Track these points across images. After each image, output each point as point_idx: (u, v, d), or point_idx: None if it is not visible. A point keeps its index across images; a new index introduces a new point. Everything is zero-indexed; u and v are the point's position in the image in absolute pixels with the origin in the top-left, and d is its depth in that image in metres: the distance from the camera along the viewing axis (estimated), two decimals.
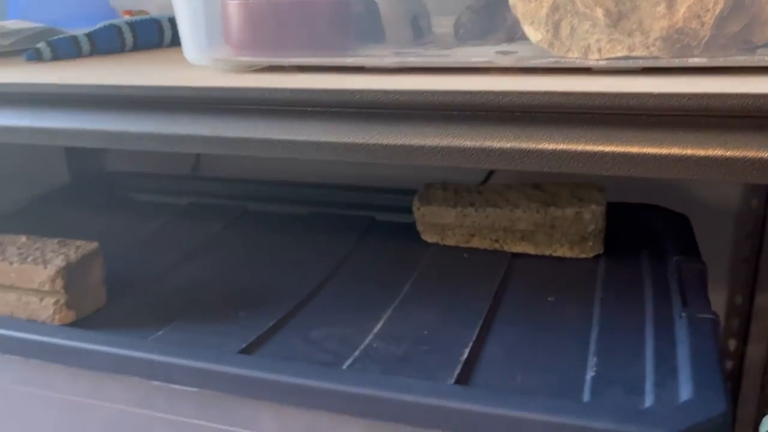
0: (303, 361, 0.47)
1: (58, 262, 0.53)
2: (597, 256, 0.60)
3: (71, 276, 0.53)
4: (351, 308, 0.55)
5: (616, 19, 0.32)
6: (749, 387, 0.74)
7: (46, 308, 0.52)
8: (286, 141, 0.36)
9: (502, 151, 0.31)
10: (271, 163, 0.85)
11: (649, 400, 0.39)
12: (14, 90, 0.43)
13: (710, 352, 0.40)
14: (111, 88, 0.40)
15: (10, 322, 0.50)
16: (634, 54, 0.33)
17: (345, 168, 0.82)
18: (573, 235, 0.59)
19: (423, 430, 0.38)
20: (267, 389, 0.41)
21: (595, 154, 0.30)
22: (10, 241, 0.57)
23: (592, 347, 0.46)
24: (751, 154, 0.28)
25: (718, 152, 0.28)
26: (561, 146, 0.30)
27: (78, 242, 0.56)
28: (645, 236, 0.62)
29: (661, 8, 0.32)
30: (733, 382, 0.74)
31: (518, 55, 0.38)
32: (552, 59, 0.35)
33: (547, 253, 0.61)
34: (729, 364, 0.74)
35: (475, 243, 0.63)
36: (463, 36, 0.48)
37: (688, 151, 0.28)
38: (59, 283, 0.52)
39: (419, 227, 0.65)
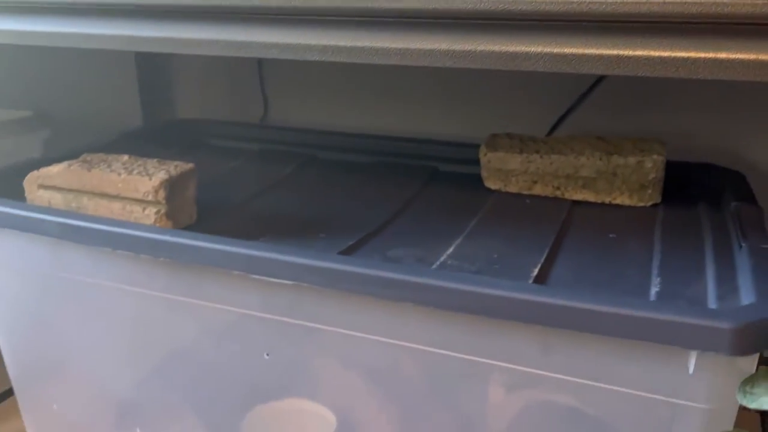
0: None
1: (161, 175, 0.58)
2: (655, 205, 0.63)
3: (172, 189, 0.58)
4: (422, 236, 0.59)
5: None
6: None
7: (147, 217, 0.58)
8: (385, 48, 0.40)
9: (604, 57, 0.35)
10: (335, 115, 0.89)
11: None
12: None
13: None
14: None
15: (122, 222, 0.55)
16: None
17: (409, 121, 0.87)
18: (633, 183, 0.63)
19: (506, 322, 0.42)
20: (365, 283, 0.45)
21: (688, 59, 0.33)
22: (114, 159, 0.62)
23: (655, 271, 0.50)
24: None
25: None
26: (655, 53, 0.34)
27: (175, 162, 0.61)
28: (702, 189, 0.65)
29: None
30: None
31: None
32: None
33: (606, 200, 0.64)
34: None
35: (537, 190, 0.67)
36: None
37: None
38: (161, 194, 0.57)
39: (484, 173, 0.69)
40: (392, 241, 0.58)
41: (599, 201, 0.65)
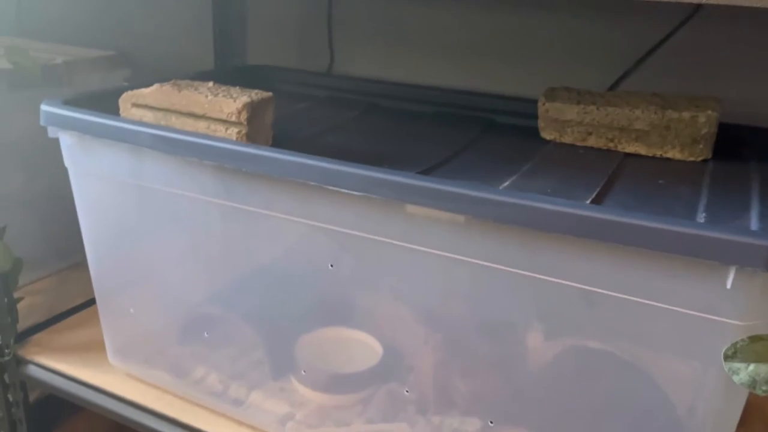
0: None
1: (244, 98, 0.63)
2: (705, 161, 0.66)
3: (253, 112, 0.63)
4: (478, 172, 0.63)
5: None
6: None
7: (230, 136, 0.63)
8: None
9: None
10: (398, 68, 0.94)
11: None
12: None
13: None
14: None
15: (209, 135, 0.61)
16: None
17: (469, 76, 0.90)
18: (686, 137, 0.65)
19: (557, 236, 0.46)
20: (427, 195, 0.50)
21: None
22: (200, 84, 0.68)
23: (701, 208, 0.53)
24: None
25: None
26: None
27: (255, 90, 0.66)
28: (755, 150, 0.67)
29: None
30: None
31: None
32: None
33: (658, 153, 0.67)
34: None
35: (591, 141, 0.70)
36: None
37: None
38: (244, 115, 0.62)
39: (540, 123, 0.73)
40: (450, 175, 0.62)
41: (651, 154, 0.67)
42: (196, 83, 0.68)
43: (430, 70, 0.92)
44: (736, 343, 0.40)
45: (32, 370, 0.83)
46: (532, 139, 0.73)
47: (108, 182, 0.69)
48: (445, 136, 0.75)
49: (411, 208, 0.53)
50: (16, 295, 0.85)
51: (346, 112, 0.83)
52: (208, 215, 0.64)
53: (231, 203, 0.62)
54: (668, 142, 0.66)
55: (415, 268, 0.56)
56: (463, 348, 0.59)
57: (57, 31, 1.21)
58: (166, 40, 1.11)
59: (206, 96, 0.64)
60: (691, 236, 0.42)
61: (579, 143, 0.71)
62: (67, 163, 0.70)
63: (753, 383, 0.40)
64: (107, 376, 0.80)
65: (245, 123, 0.62)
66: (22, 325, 0.87)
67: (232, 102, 0.62)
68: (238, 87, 0.67)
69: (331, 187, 0.54)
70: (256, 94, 0.65)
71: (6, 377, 0.85)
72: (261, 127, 0.65)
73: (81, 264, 1.05)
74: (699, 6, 0.74)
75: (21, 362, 0.84)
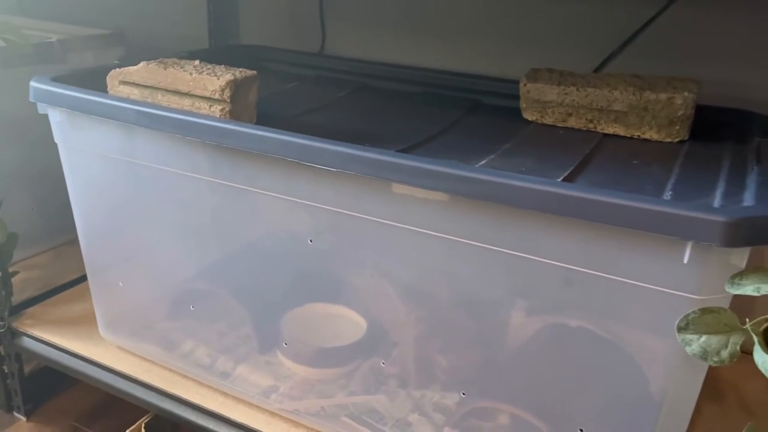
0: None
1: (228, 76, 0.64)
2: (682, 142, 0.67)
3: (237, 89, 0.64)
4: (459, 151, 0.64)
5: None
6: None
7: (213, 113, 0.64)
8: None
9: None
10: (387, 49, 0.94)
11: None
12: None
13: None
14: None
15: (193, 112, 0.62)
16: None
17: (456, 58, 0.91)
18: (663, 118, 0.66)
19: (539, 214, 0.48)
20: (402, 172, 0.51)
21: None
22: (186, 62, 0.69)
23: (669, 186, 0.54)
24: None
25: None
26: None
27: (240, 68, 0.68)
28: (731, 131, 0.68)
29: None
30: None
31: None
32: None
33: (636, 134, 0.68)
34: None
35: (571, 122, 0.71)
36: None
37: None
38: (227, 93, 0.63)
39: (522, 104, 0.74)
40: (430, 153, 0.63)
41: (629, 135, 0.68)
42: (182, 62, 0.70)
43: (420, 51, 0.93)
44: (688, 315, 0.42)
45: (27, 342, 0.85)
46: (514, 120, 0.74)
47: (96, 158, 0.70)
48: (431, 115, 0.76)
49: (386, 185, 0.54)
50: (11, 269, 0.87)
51: (334, 91, 0.84)
52: (194, 191, 0.66)
53: (215, 179, 0.63)
54: (646, 123, 0.67)
55: (393, 244, 0.57)
56: (440, 322, 0.61)
57: (54, 9, 1.22)
58: (161, 19, 1.12)
59: (191, 74, 0.65)
60: (648, 211, 0.43)
61: (560, 124, 0.72)
62: (56, 138, 0.72)
63: (704, 354, 0.41)
64: (98, 348, 0.82)
65: (228, 100, 0.64)
66: (18, 298, 0.89)
67: (216, 80, 0.64)
68: (223, 66, 0.68)
69: (308, 163, 0.55)
70: (240, 73, 0.66)
71: (1, 349, 0.87)
72: (245, 105, 0.66)
73: (76, 240, 1.07)
74: None
75: (16, 334, 0.86)
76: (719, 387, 0.78)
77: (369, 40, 0.97)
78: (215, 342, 0.75)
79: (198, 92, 0.64)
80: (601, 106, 0.68)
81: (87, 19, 1.16)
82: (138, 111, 0.62)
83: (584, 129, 0.71)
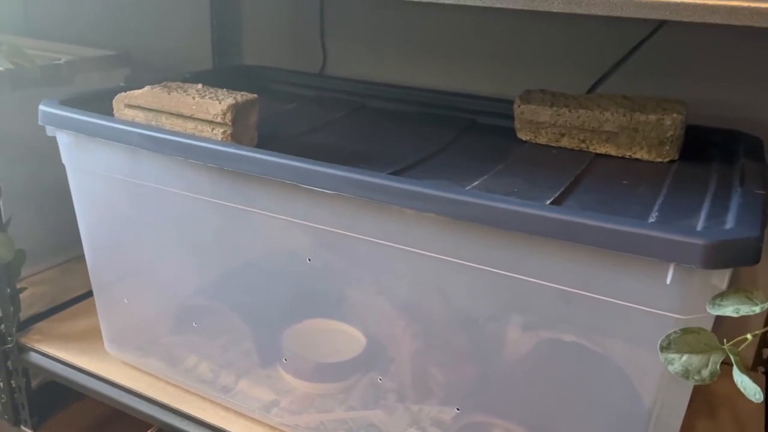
0: None
1: (229, 100, 0.66)
2: (672, 161, 0.68)
3: (238, 113, 0.66)
4: (453, 171, 0.66)
5: None
6: None
7: (215, 136, 0.66)
8: None
9: None
10: (386, 68, 0.97)
11: None
12: None
13: (756, 211, 0.49)
14: None
15: (194, 135, 0.64)
16: None
17: (453, 77, 0.93)
18: (653, 138, 0.68)
19: (527, 235, 0.49)
20: (394, 194, 0.53)
21: None
22: (189, 86, 0.71)
23: (656, 207, 0.55)
24: None
25: None
26: None
27: (241, 92, 0.70)
28: (720, 151, 0.70)
29: None
30: None
31: None
32: None
33: (627, 154, 0.70)
34: None
35: (564, 142, 0.73)
36: None
37: None
38: (228, 117, 0.65)
39: (516, 125, 0.75)
40: (424, 174, 0.65)
41: (620, 155, 0.70)
42: (185, 85, 0.72)
43: (418, 72, 0.96)
44: (670, 335, 0.43)
45: (34, 358, 0.87)
46: (509, 140, 0.76)
47: (102, 179, 0.72)
48: (427, 135, 0.78)
49: (381, 206, 0.56)
50: (18, 285, 0.89)
51: (333, 111, 0.86)
52: (196, 211, 0.68)
53: (216, 200, 0.65)
54: (636, 144, 0.69)
55: (389, 263, 0.59)
56: (435, 339, 0.62)
57: (62, 30, 1.25)
58: (166, 40, 1.14)
59: (194, 98, 0.67)
60: (630, 234, 0.45)
61: (553, 144, 0.74)
62: (64, 160, 0.74)
63: (686, 372, 0.42)
64: (103, 363, 0.84)
65: (230, 124, 0.66)
66: (25, 314, 0.92)
67: (218, 104, 0.66)
68: (225, 89, 0.71)
69: (304, 185, 0.57)
70: (242, 96, 0.68)
71: (9, 364, 0.89)
72: (246, 127, 0.68)
73: (82, 256, 1.10)
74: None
75: (23, 350, 0.88)
76: (713, 402, 0.79)
77: (369, 60, 0.99)
78: (217, 357, 0.77)
79: (200, 115, 0.67)
80: (593, 127, 0.70)
81: (92, 39, 1.19)
82: (142, 134, 0.65)
83: (577, 149, 0.72)
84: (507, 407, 0.61)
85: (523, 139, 0.75)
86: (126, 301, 0.79)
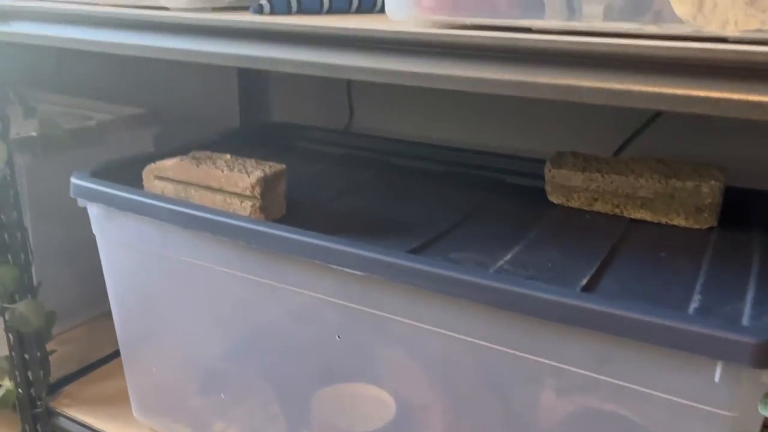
0: None
1: (258, 173, 0.66)
2: (711, 228, 0.66)
3: (266, 186, 0.66)
4: (484, 241, 0.65)
5: None
6: None
7: (244, 209, 0.66)
8: (471, 78, 0.47)
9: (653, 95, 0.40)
10: (413, 125, 0.96)
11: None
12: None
13: None
14: (336, 29, 0.52)
15: (223, 212, 0.64)
16: (766, 27, 0.40)
17: (480, 134, 0.92)
18: (690, 206, 0.66)
19: (551, 323, 0.48)
20: (426, 279, 0.52)
21: (722, 99, 0.38)
22: (218, 156, 0.72)
23: (698, 288, 0.53)
24: None
25: None
26: (703, 93, 0.39)
27: (270, 163, 0.70)
28: (760, 215, 0.67)
29: None
30: None
31: (665, 26, 0.46)
32: (694, 29, 0.43)
33: (663, 221, 0.68)
34: None
35: (598, 207, 0.71)
36: (612, 15, 0.56)
37: None
38: (257, 190, 0.65)
39: (547, 188, 0.74)
40: (456, 245, 0.64)
41: (656, 221, 0.68)
42: (214, 155, 0.72)
43: (444, 129, 0.95)
44: None
45: (63, 423, 0.87)
46: (539, 202, 0.74)
47: (131, 249, 0.73)
48: (455, 197, 0.77)
49: (411, 288, 0.55)
50: (48, 347, 0.89)
51: (360, 171, 0.86)
52: (224, 284, 0.67)
53: (245, 274, 0.65)
54: (673, 210, 0.67)
55: (420, 344, 0.58)
56: (467, 410, 0.60)
57: (92, 85, 1.27)
58: (194, 97, 1.16)
59: (222, 171, 0.67)
60: (673, 329, 0.43)
61: (586, 208, 0.72)
62: (94, 230, 0.75)
63: None
64: (131, 429, 0.83)
65: (258, 197, 0.66)
66: (54, 375, 0.92)
67: (246, 177, 0.66)
68: (253, 160, 0.70)
69: (333, 266, 0.56)
70: (270, 168, 0.68)
71: (39, 428, 0.89)
72: (274, 198, 0.68)
73: (109, 313, 1.10)
74: None
75: (53, 414, 0.88)
76: None
77: (395, 116, 0.99)
78: (245, 423, 0.75)
79: (229, 188, 0.67)
80: (627, 193, 0.68)
81: (122, 94, 1.21)
82: (171, 210, 0.65)
83: (611, 213, 0.70)
84: None
85: (555, 202, 0.74)
86: (154, 369, 0.79)
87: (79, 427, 0.85)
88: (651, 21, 0.47)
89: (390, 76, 0.49)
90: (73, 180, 0.72)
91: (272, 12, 0.67)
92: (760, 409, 0.42)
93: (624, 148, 0.83)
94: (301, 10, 0.69)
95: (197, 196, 0.68)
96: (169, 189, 0.70)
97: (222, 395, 0.74)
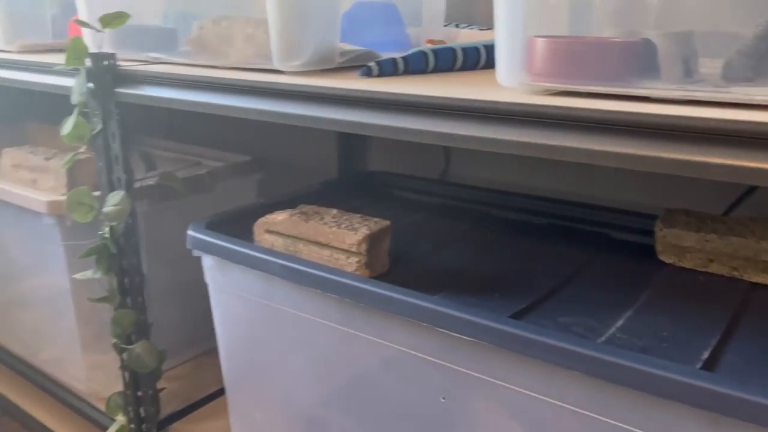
0: None
1: (364, 230, 0.68)
2: None
3: (371, 242, 0.67)
4: (592, 305, 0.63)
5: None
6: None
7: (350, 264, 0.68)
8: (582, 149, 0.46)
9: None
10: (511, 174, 0.96)
11: None
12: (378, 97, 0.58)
13: None
14: (451, 100, 0.53)
15: (335, 270, 0.66)
16: None
17: (580, 186, 0.90)
18: None
19: (672, 402, 0.46)
20: (536, 348, 0.51)
21: None
22: (325, 211, 0.74)
23: None
24: None
25: None
26: None
27: (375, 219, 0.71)
28: None
29: None
30: None
31: None
32: None
33: None
34: None
35: (713, 268, 0.68)
36: (732, 77, 0.54)
37: None
38: (363, 247, 0.67)
39: (658, 247, 0.71)
40: (563, 307, 0.63)
41: None
42: (321, 210, 0.74)
43: (545, 179, 0.94)
44: None
45: None
46: (648, 261, 0.72)
47: (241, 299, 0.76)
48: (558, 253, 0.75)
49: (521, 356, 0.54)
50: (158, 385, 0.94)
51: (458, 223, 0.86)
52: (328, 338, 0.69)
53: (348, 329, 0.66)
54: None
55: (531, 413, 0.56)
56: None
57: (199, 133, 1.35)
58: (295, 146, 1.21)
59: (330, 227, 0.69)
60: None
61: (700, 269, 0.69)
62: (207, 279, 0.79)
63: None
64: None
65: (364, 253, 0.67)
66: (162, 410, 0.96)
67: (353, 234, 0.67)
68: (359, 215, 0.72)
69: (439, 329, 0.56)
70: (375, 224, 0.70)
71: None
72: (378, 254, 0.69)
73: (212, 351, 1.15)
74: None
75: None
76: None
77: (492, 165, 0.99)
78: None
79: (336, 244, 0.68)
80: (748, 256, 0.65)
81: (226, 141, 1.28)
82: (281, 265, 0.67)
83: (728, 275, 0.67)
84: None
85: (666, 261, 0.71)
86: (258, 416, 0.81)
87: None
88: None
89: (499, 145, 0.50)
90: (190, 232, 0.76)
91: (380, 74, 0.69)
92: None
93: (738, 205, 0.79)
94: (408, 71, 0.71)
95: (305, 250, 0.71)
96: (279, 243, 0.73)
97: None
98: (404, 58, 0.71)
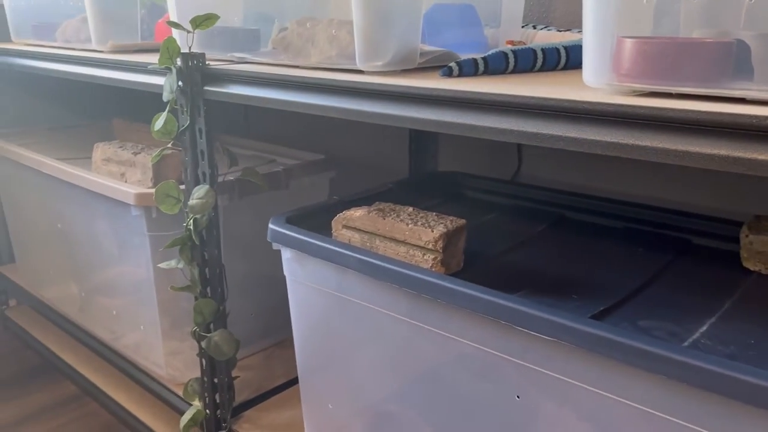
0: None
1: (441, 228, 0.69)
2: None
3: (448, 240, 0.68)
4: (674, 309, 0.62)
5: None
6: None
7: (426, 261, 0.69)
8: (674, 150, 0.46)
9: None
10: (585, 177, 0.94)
11: None
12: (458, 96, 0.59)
13: None
14: (539, 99, 0.53)
15: (412, 266, 0.67)
16: None
17: (659, 190, 0.88)
18: None
19: (758, 410, 0.45)
20: (619, 350, 0.51)
21: None
22: (401, 209, 0.75)
23: None
24: None
25: None
26: None
27: (451, 217, 0.72)
28: None
29: None
30: None
31: None
32: None
33: None
34: None
35: None
36: None
37: None
38: (440, 244, 0.68)
39: (743, 254, 0.69)
40: (644, 311, 0.62)
41: None
42: (397, 208, 0.76)
43: (622, 182, 0.92)
44: None
45: None
46: (731, 268, 0.70)
47: (317, 291, 0.78)
48: (637, 258, 0.74)
49: (601, 358, 0.54)
50: (233, 373, 0.98)
51: (532, 225, 0.86)
52: (403, 333, 0.70)
53: (424, 325, 0.67)
54: None
55: (608, 416, 0.56)
56: None
57: (275, 131, 1.39)
58: (367, 144, 1.23)
59: (407, 224, 0.71)
60: None
61: None
62: (285, 271, 0.81)
63: None
64: None
65: (440, 251, 0.68)
66: (236, 398, 1.00)
67: (430, 231, 0.68)
68: (435, 213, 0.73)
69: (518, 328, 0.57)
70: (452, 222, 0.70)
71: None
72: (454, 253, 0.70)
73: (284, 342, 1.18)
74: None
75: None
76: None
77: (565, 167, 0.98)
78: None
79: (413, 241, 0.70)
80: None
81: (300, 138, 1.31)
82: (358, 259, 0.69)
83: None
84: None
85: (750, 269, 0.69)
86: (330, 406, 0.83)
87: None
88: None
89: (589, 145, 0.50)
90: (271, 226, 0.79)
91: (461, 74, 0.70)
92: None
93: None
94: (488, 72, 0.72)
95: (382, 246, 0.72)
96: (356, 238, 0.75)
97: None
98: (484, 59, 0.71)
